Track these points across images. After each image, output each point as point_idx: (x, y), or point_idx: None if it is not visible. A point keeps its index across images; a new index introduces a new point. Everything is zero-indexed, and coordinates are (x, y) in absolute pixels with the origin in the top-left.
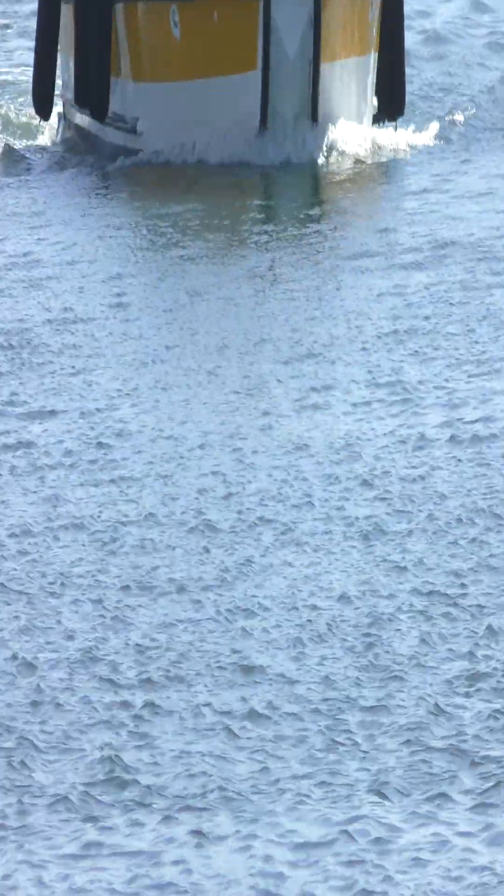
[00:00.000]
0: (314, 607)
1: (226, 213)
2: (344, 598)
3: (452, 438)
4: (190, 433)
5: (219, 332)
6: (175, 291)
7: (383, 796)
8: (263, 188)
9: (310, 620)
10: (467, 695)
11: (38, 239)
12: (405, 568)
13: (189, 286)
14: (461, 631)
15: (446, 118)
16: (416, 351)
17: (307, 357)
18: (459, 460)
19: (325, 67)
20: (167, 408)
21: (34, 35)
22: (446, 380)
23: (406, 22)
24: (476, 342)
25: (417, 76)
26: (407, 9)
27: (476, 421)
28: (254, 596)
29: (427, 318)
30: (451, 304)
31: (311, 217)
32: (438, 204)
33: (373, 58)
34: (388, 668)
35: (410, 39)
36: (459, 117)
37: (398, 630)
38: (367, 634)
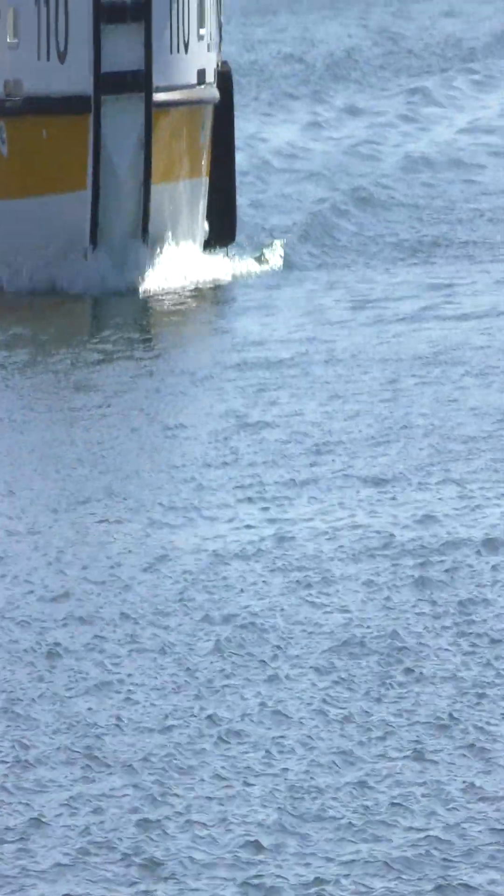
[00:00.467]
0: None
1: (53, 340)
2: None
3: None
4: None
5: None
6: None
7: None
8: (91, 313)
9: None
10: None
11: None
12: None
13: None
14: None
15: (273, 244)
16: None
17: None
18: None
19: (155, 189)
20: None
21: None
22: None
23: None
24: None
25: (248, 198)
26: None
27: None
28: None
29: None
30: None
31: (139, 349)
32: (266, 327)
33: (204, 182)
34: None
35: (245, 162)
36: (284, 242)
37: None
38: None
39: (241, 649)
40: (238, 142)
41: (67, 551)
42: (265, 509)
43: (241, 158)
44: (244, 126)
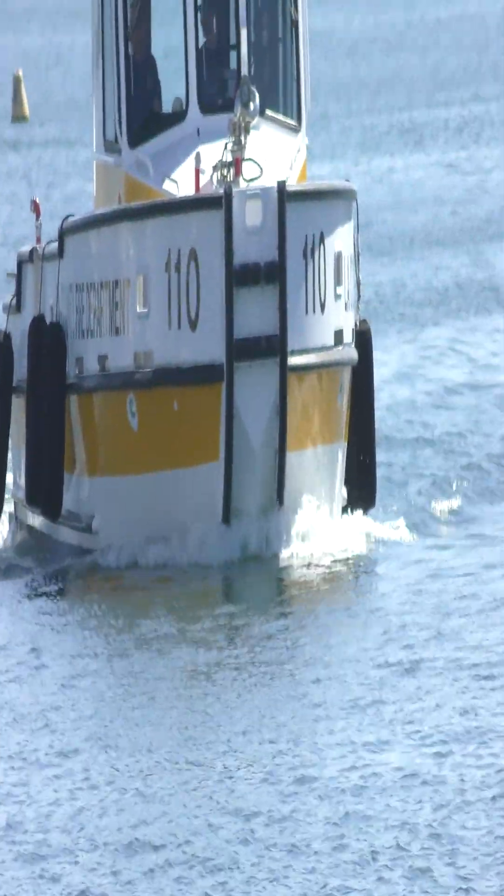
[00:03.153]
0: None
1: (189, 627)
2: None
3: None
4: None
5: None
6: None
7: None
8: (227, 595)
9: None
10: None
11: None
12: None
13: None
14: None
15: (419, 507)
16: None
17: None
18: None
19: (291, 457)
20: None
21: None
22: None
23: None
24: None
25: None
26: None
27: None
28: None
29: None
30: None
31: (278, 636)
32: (414, 610)
33: (342, 446)
34: None
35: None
36: (435, 505)
37: None
38: None
39: None
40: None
41: None
42: None
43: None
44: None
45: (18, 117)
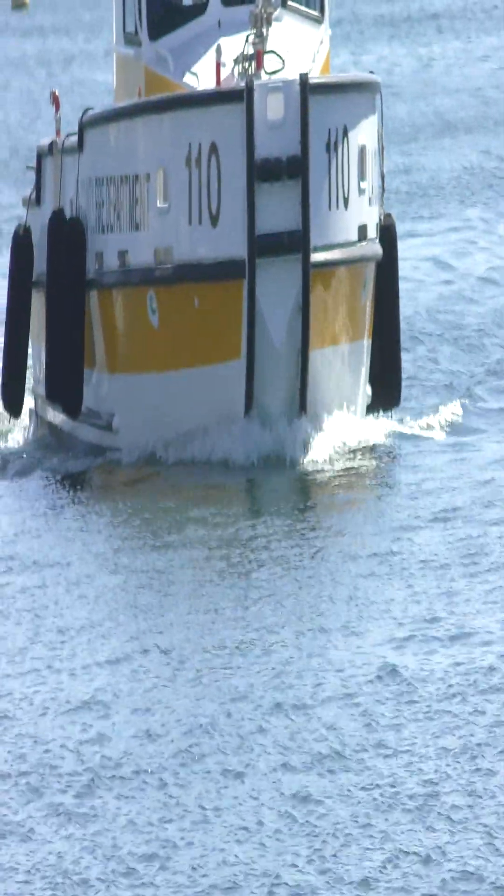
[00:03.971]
0: None
1: (208, 526)
2: None
3: None
4: None
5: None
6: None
7: None
8: (247, 493)
9: None
10: None
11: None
12: None
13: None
14: None
15: (443, 407)
16: None
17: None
18: None
19: (314, 355)
20: None
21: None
22: None
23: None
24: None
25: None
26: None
27: None
28: None
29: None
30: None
31: (299, 533)
32: (437, 507)
33: (366, 344)
34: None
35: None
36: (456, 406)
37: None
38: None
39: None
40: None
41: None
42: None
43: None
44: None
45: (18, 4)
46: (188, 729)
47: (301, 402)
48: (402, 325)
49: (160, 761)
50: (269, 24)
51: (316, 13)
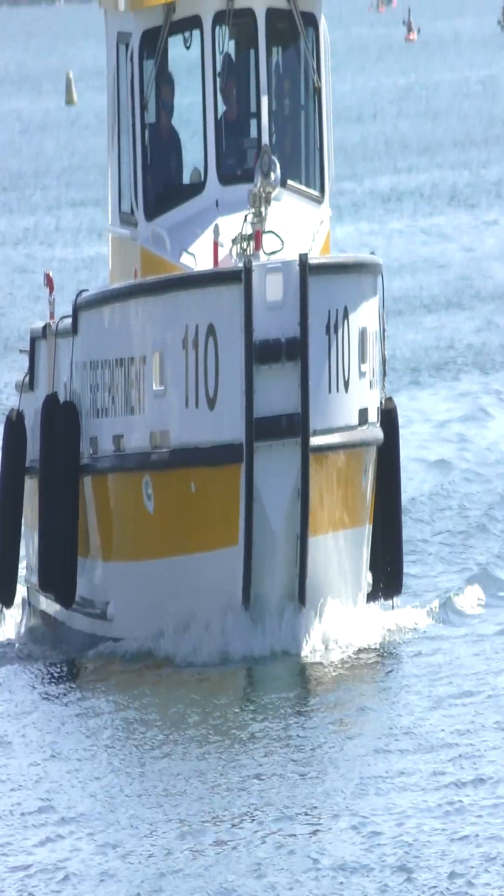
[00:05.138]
0: None
1: (206, 714)
2: None
3: None
4: None
5: None
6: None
7: None
8: (246, 685)
9: None
10: None
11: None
12: None
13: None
14: None
15: (446, 594)
16: None
17: None
18: None
19: (313, 542)
20: None
21: None
22: None
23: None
24: None
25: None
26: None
27: None
28: None
29: None
30: None
31: (298, 725)
32: (440, 703)
33: (367, 530)
34: None
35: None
36: (460, 592)
37: None
38: None
39: None
40: None
41: None
42: None
43: None
44: None
45: None
46: None
47: (300, 594)
48: (405, 506)
49: None
50: (268, 203)
51: (316, 193)
